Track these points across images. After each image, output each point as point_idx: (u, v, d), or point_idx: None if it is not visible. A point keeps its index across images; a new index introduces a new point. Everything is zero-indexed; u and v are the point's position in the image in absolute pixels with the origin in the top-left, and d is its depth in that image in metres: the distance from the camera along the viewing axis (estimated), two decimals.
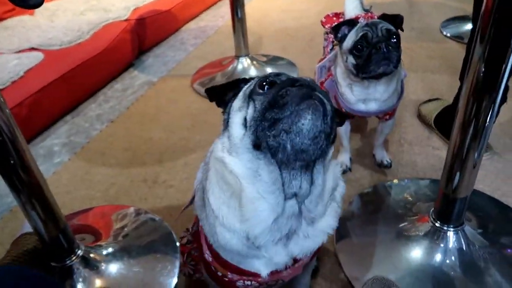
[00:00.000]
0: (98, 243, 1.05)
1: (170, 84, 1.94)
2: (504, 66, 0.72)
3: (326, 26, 1.22)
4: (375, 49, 0.95)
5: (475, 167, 0.84)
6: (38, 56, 1.72)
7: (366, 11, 1.20)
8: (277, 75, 0.58)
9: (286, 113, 0.50)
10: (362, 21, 1.05)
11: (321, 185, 0.57)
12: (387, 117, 1.17)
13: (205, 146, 1.47)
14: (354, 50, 0.98)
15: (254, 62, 1.93)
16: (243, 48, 1.89)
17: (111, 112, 1.76)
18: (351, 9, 1.20)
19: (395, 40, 0.97)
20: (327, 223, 0.61)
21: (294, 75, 1.85)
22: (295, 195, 0.55)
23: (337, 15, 1.23)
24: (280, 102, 0.51)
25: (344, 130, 1.23)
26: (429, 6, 2.59)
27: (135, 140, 1.55)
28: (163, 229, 1.14)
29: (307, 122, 0.50)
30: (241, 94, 0.60)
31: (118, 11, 2.14)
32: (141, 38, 2.18)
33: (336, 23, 1.08)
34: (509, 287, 0.86)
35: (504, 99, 1.24)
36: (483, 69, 0.74)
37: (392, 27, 0.99)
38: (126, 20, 2.09)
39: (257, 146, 0.53)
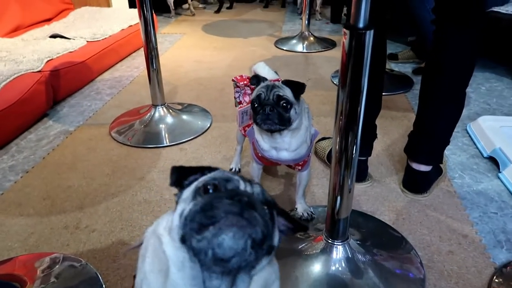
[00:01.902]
0: None
1: (87, 133, 2.00)
2: (359, 108, 0.96)
3: (241, 83, 1.41)
4: (262, 110, 1.13)
5: (350, 192, 1.07)
6: None
7: (277, 74, 1.42)
8: (227, 180, 0.60)
9: (210, 223, 0.53)
10: (266, 82, 1.22)
11: None
12: (299, 167, 1.32)
13: (126, 190, 1.56)
14: (251, 103, 1.18)
15: (170, 111, 2.08)
16: (159, 97, 2.04)
17: (25, 163, 1.76)
18: (265, 75, 1.36)
19: (284, 104, 1.13)
20: None
21: (208, 121, 2.06)
22: None
23: (249, 78, 1.43)
24: (209, 211, 0.54)
25: (256, 174, 1.40)
26: (322, 60, 3.02)
27: (54, 189, 1.58)
28: (88, 272, 1.19)
29: (228, 238, 0.52)
30: (193, 185, 0.62)
31: (30, 62, 2.17)
32: (55, 89, 2.22)
33: (255, 74, 1.27)
34: (378, 281, 1.09)
35: (375, 136, 1.55)
36: (346, 110, 0.96)
37: (285, 94, 1.14)
38: (39, 71, 2.13)
39: (183, 240, 0.55)
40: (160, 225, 0.63)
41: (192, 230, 0.54)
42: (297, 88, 1.17)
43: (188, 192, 0.62)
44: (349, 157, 1.02)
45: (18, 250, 1.28)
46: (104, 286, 1.14)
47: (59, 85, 2.26)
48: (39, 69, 2.14)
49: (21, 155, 1.82)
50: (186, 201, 0.60)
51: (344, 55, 0.93)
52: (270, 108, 1.12)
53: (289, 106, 1.14)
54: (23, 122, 2.00)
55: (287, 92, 1.15)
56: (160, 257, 0.59)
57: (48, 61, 2.25)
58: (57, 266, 1.20)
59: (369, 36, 0.89)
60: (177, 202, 0.63)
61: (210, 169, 0.66)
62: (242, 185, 0.61)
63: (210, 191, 0.59)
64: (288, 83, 1.18)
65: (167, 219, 0.62)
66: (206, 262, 0.54)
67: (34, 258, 1.23)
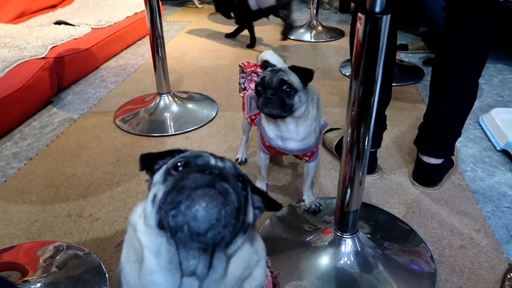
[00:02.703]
0: (26, 278, 1.05)
1: (92, 121, 1.97)
2: (372, 99, 0.92)
3: (248, 69, 1.38)
4: (264, 93, 1.10)
5: (361, 184, 1.03)
6: None
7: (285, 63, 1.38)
8: (196, 156, 0.60)
9: (182, 197, 0.52)
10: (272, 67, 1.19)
11: (219, 272, 0.57)
12: (306, 158, 1.28)
13: (130, 178, 1.53)
14: (255, 87, 1.15)
15: (176, 99, 2.04)
16: (164, 86, 2.00)
17: (29, 150, 1.74)
18: (275, 62, 1.32)
19: (288, 89, 1.09)
20: None
21: (214, 110, 2.02)
22: (194, 274, 0.55)
23: (256, 65, 1.40)
24: (179, 185, 0.53)
25: (263, 164, 1.37)
26: (330, 50, 2.96)
27: (57, 177, 1.56)
28: (91, 261, 1.17)
29: (201, 209, 0.51)
30: (163, 167, 0.62)
31: (34, 49, 2.13)
32: (59, 76, 2.19)
33: (265, 60, 1.23)
34: (388, 276, 1.07)
35: (384, 127, 1.51)
36: (358, 102, 0.92)
37: (290, 79, 1.10)
38: (44, 58, 2.10)
39: (160, 225, 0.54)
40: (135, 212, 0.61)
41: (167, 210, 0.52)
42: (304, 74, 1.13)
43: (158, 175, 0.61)
44: (361, 149, 0.98)
45: (21, 238, 1.26)
46: (107, 275, 1.12)
47: (64, 72, 2.23)
48: (43, 55, 2.11)
49: (25, 142, 1.80)
50: (157, 185, 0.58)
51: (358, 42, 0.88)
52: (272, 92, 1.09)
53: (292, 92, 1.10)
54: (27, 109, 1.98)
55: (293, 78, 1.11)
56: (135, 246, 0.58)
57: (52, 47, 2.22)
58: (60, 255, 1.18)
59: (386, 21, 0.85)
60: (149, 188, 0.61)
61: (180, 151, 0.65)
62: (212, 160, 0.60)
63: (180, 168, 0.58)
64: (294, 69, 1.13)
65: (142, 206, 0.61)
66: (182, 239, 0.52)
67: (37, 246, 1.21)
